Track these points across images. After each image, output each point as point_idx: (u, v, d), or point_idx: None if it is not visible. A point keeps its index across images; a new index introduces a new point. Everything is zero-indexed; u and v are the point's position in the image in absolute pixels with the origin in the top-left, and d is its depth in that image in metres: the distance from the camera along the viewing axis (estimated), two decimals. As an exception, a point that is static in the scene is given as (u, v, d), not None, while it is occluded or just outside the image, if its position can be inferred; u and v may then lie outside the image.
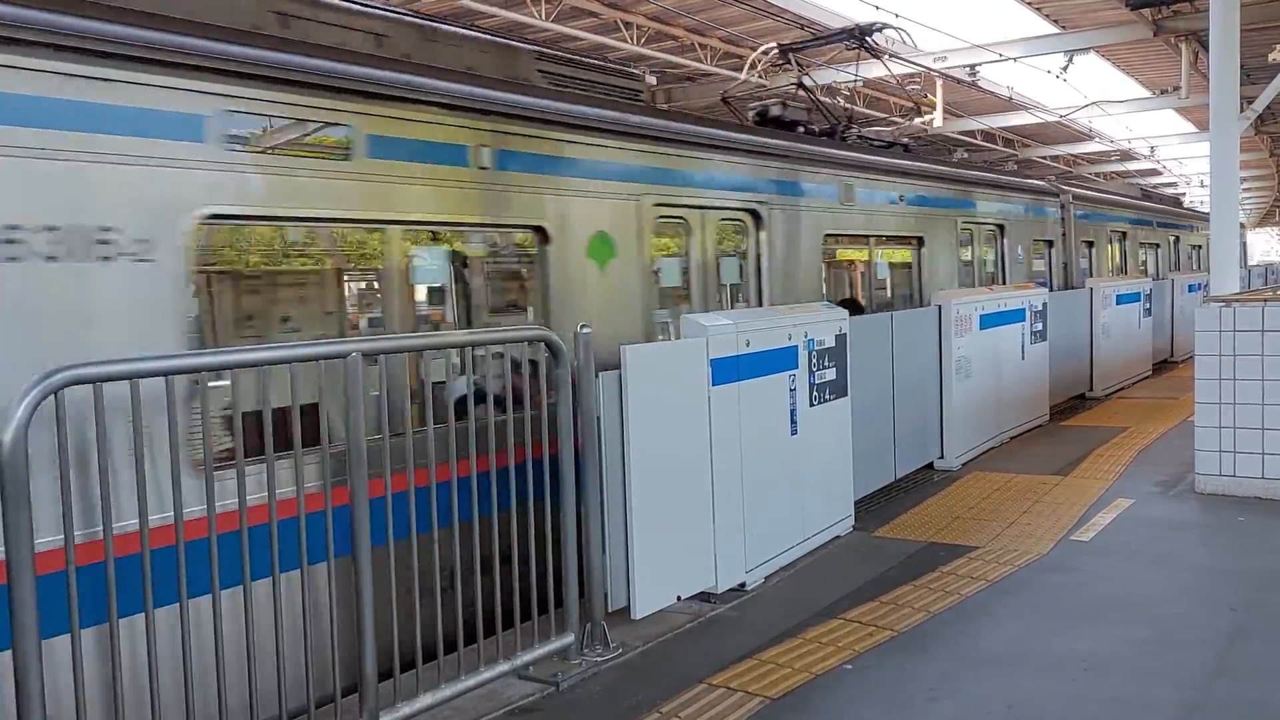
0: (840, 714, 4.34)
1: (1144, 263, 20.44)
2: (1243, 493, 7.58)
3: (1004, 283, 12.56)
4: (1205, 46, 14.44)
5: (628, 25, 15.98)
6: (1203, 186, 35.83)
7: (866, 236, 10.12)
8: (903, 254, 11.03)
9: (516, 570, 4.68)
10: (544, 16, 14.41)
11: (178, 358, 3.57)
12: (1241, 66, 11.42)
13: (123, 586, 3.34)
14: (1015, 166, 30.33)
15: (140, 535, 3.35)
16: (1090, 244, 16.26)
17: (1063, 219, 14.84)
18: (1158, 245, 20.97)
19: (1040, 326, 11.05)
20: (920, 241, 10.94)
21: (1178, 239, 22.81)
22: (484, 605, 4.55)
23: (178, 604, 3.45)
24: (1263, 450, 7.53)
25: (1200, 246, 24.73)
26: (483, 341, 4.97)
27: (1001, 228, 12.86)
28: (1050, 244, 14.35)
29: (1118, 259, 18.41)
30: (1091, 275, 15.70)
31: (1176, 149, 32.74)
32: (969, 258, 12.16)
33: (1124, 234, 18.42)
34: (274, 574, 3.78)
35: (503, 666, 4.58)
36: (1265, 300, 7.72)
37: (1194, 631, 5.04)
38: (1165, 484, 8.13)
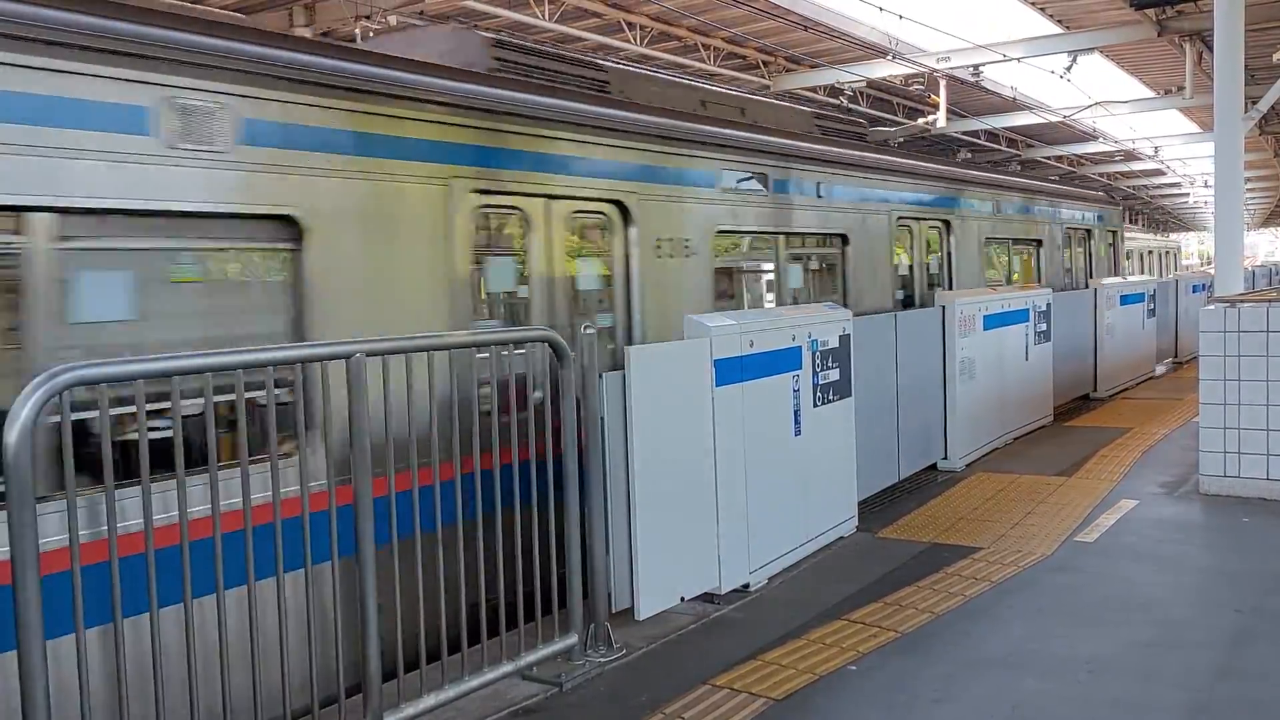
0: (843, 715, 4.33)
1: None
2: (1247, 494, 7.56)
3: None
4: (1209, 46, 14.39)
5: (630, 26, 15.96)
6: (1206, 187, 35.78)
7: None
8: None
9: (520, 570, 4.68)
10: (547, 17, 14.40)
11: (178, 358, 3.56)
12: (1245, 67, 11.40)
13: (126, 586, 3.34)
14: (1018, 166, 29.60)
15: (145, 534, 3.35)
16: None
17: None
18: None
19: (1044, 327, 11.03)
20: None
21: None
22: (487, 605, 4.55)
23: (181, 604, 3.46)
24: (1267, 451, 7.51)
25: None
26: (484, 342, 4.96)
27: None
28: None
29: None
30: None
31: (1180, 149, 32.69)
32: None
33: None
34: (278, 573, 3.78)
35: (506, 667, 4.57)
36: (1270, 301, 7.70)
37: (1198, 633, 5.03)
38: (1170, 485, 8.12)
